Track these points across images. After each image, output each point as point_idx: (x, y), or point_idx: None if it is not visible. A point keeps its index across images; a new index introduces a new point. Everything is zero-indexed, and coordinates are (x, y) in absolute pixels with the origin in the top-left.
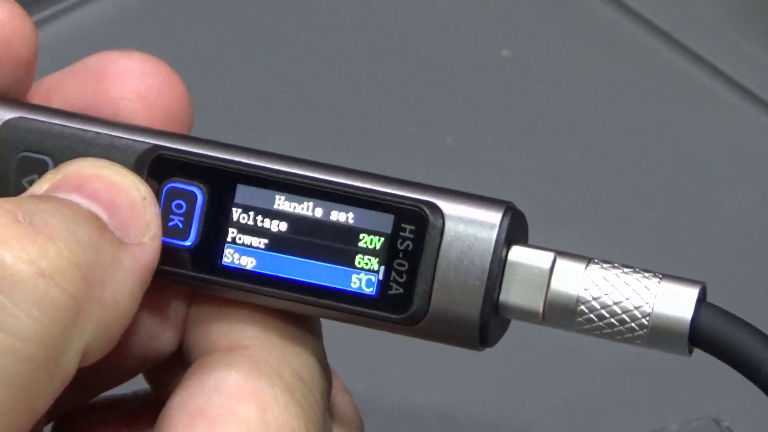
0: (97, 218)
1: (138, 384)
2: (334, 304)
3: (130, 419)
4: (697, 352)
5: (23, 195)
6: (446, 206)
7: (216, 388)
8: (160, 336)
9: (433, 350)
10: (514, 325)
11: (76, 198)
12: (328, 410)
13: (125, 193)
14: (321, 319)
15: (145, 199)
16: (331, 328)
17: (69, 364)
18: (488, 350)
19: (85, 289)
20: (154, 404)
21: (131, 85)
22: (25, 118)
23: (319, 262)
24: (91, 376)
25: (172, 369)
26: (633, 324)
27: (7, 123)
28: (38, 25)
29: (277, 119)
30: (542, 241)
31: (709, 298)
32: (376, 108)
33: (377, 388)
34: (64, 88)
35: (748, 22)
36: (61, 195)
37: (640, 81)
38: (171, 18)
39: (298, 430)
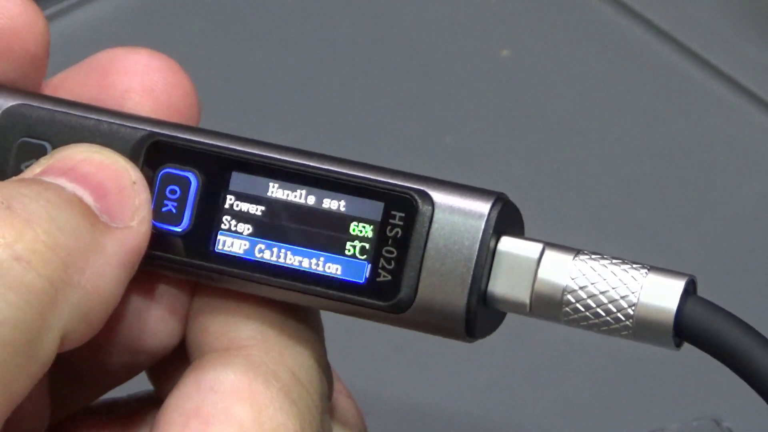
0: (80, 202)
1: (136, 387)
2: (323, 291)
3: (128, 422)
4: (696, 352)
5: (12, 179)
6: (436, 195)
7: (211, 388)
8: (162, 329)
9: (433, 350)
10: (514, 325)
11: (63, 182)
12: (328, 412)
13: (115, 177)
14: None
15: (135, 183)
16: (331, 328)
17: (47, 349)
18: (487, 350)
19: (62, 273)
20: (154, 405)
21: (137, 79)
22: (27, 104)
23: (310, 250)
24: (94, 372)
25: (174, 366)
26: (619, 314)
27: (9, 109)
28: None
29: (278, 117)
30: (543, 239)
31: (708, 297)
32: (376, 107)
33: (377, 388)
34: (71, 83)
35: (748, 22)
36: (49, 179)
37: (640, 81)
38: (173, 16)
39: (293, 431)
